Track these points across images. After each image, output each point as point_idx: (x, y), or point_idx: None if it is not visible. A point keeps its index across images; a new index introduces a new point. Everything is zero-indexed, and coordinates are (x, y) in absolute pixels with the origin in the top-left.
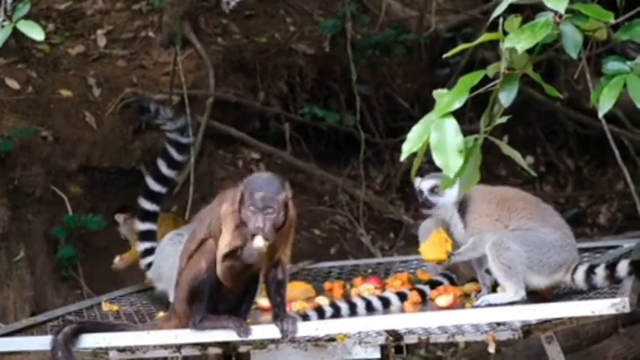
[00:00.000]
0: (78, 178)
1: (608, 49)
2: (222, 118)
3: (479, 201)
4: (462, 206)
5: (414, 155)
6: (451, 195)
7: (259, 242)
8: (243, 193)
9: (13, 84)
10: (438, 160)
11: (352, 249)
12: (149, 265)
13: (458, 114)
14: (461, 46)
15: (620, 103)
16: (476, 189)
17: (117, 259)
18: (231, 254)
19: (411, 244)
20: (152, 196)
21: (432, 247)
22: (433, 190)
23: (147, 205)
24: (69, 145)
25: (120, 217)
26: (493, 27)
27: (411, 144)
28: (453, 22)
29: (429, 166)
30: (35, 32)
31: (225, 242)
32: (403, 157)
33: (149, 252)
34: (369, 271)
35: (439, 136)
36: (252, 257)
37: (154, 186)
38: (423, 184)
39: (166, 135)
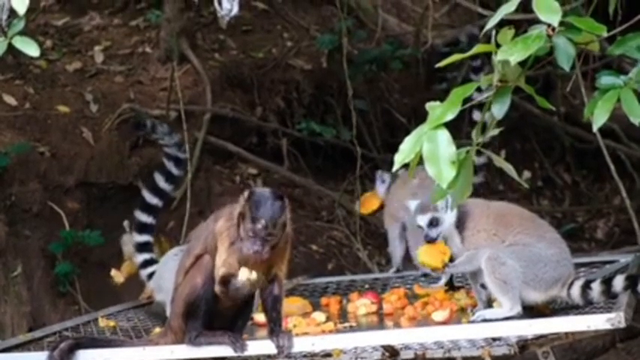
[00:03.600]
0: (75, 193)
1: (605, 63)
2: (220, 133)
3: (477, 216)
4: (460, 221)
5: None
6: (449, 221)
7: (243, 275)
8: (243, 212)
9: (10, 100)
10: (430, 171)
11: (349, 264)
12: (150, 275)
13: (455, 128)
14: (453, 57)
15: (616, 118)
16: (473, 204)
17: (113, 272)
18: (224, 283)
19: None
20: (149, 208)
21: (430, 252)
22: (432, 223)
23: (143, 217)
24: (66, 161)
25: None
26: (489, 41)
27: (403, 155)
28: (450, 37)
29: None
30: (30, 48)
31: (222, 259)
32: (395, 167)
33: (148, 263)
34: (366, 286)
35: (432, 147)
36: (242, 290)
37: (151, 199)
38: (420, 220)
39: (164, 150)
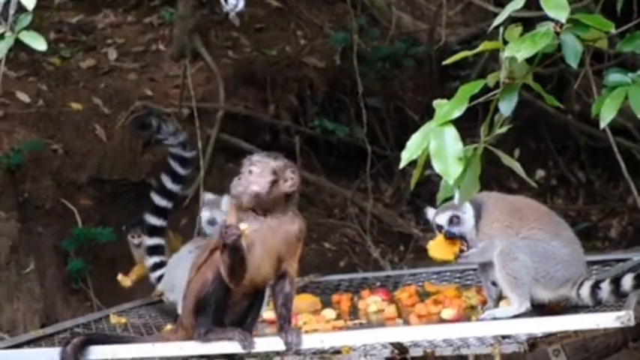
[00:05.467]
0: (88, 190)
1: (619, 62)
2: (233, 131)
3: (492, 207)
4: (475, 212)
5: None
6: (470, 218)
7: (243, 225)
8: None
9: (23, 97)
10: (437, 167)
11: (362, 262)
12: (159, 278)
13: (466, 127)
14: (462, 53)
15: (629, 116)
16: (490, 196)
17: (120, 277)
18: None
19: (421, 256)
20: (159, 211)
21: (440, 245)
22: (452, 221)
23: (154, 220)
24: (79, 158)
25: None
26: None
27: (410, 152)
28: (464, 35)
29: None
30: (38, 43)
31: None
32: (402, 164)
33: (158, 266)
34: (378, 284)
35: (439, 143)
36: (229, 234)
37: (160, 201)
38: (439, 219)
39: (169, 150)
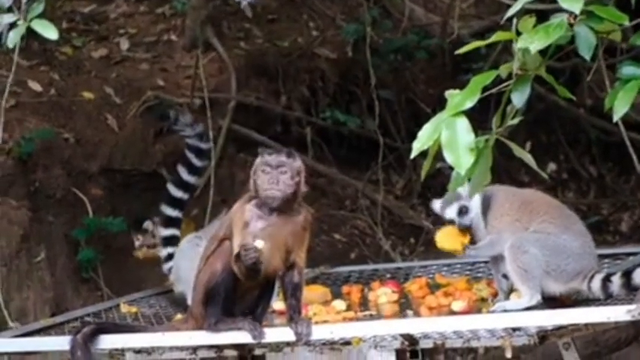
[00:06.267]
0: (99, 180)
1: (634, 56)
2: (244, 121)
3: (501, 201)
4: (484, 205)
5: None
6: (476, 205)
7: (259, 243)
8: (255, 164)
9: (35, 86)
10: (448, 158)
11: (372, 254)
12: (171, 269)
13: (477, 119)
14: (475, 43)
15: None
16: (499, 189)
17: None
18: (237, 257)
19: (432, 249)
20: (174, 202)
21: (448, 236)
22: (462, 212)
23: (169, 211)
24: (90, 148)
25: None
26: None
27: (421, 142)
28: (476, 28)
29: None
30: (49, 32)
31: (236, 243)
32: (413, 154)
33: (172, 257)
34: (388, 275)
35: (450, 134)
36: (248, 257)
37: (176, 192)
38: (449, 213)
39: (186, 141)
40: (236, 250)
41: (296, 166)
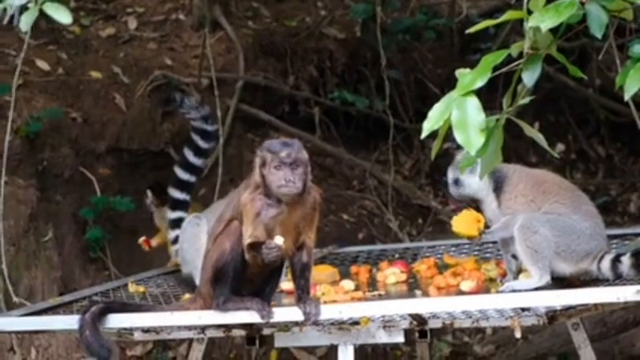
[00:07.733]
0: (106, 159)
1: None
2: (252, 101)
3: (515, 181)
4: (498, 185)
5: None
6: (470, 185)
7: (279, 240)
8: (264, 158)
9: (43, 65)
10: (459, 138)
11: (380, 234)
12: (177, 251)
13: (486, 99)
14: (485, 22)
15: None
16: (513, 169)
17: (141, 240)
18: (253, 248)
19: (439, 229)
20: (182, 184)
21: (464, 221)
22: (457, 182)
23: (177, 194)
24: (98, 127)
25: (148, 196)
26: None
27: (432, 122)
28: (485, 8)
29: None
30: (62, 15)
31: (248, 233)
32: (424, 134)
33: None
34: (397, 256)
35: (461, 114)
36: (271, 255)
37: (183, 175)
38: (449, 175)
39: (191, 123)
40: (248, 240)
41: (305, 158)
